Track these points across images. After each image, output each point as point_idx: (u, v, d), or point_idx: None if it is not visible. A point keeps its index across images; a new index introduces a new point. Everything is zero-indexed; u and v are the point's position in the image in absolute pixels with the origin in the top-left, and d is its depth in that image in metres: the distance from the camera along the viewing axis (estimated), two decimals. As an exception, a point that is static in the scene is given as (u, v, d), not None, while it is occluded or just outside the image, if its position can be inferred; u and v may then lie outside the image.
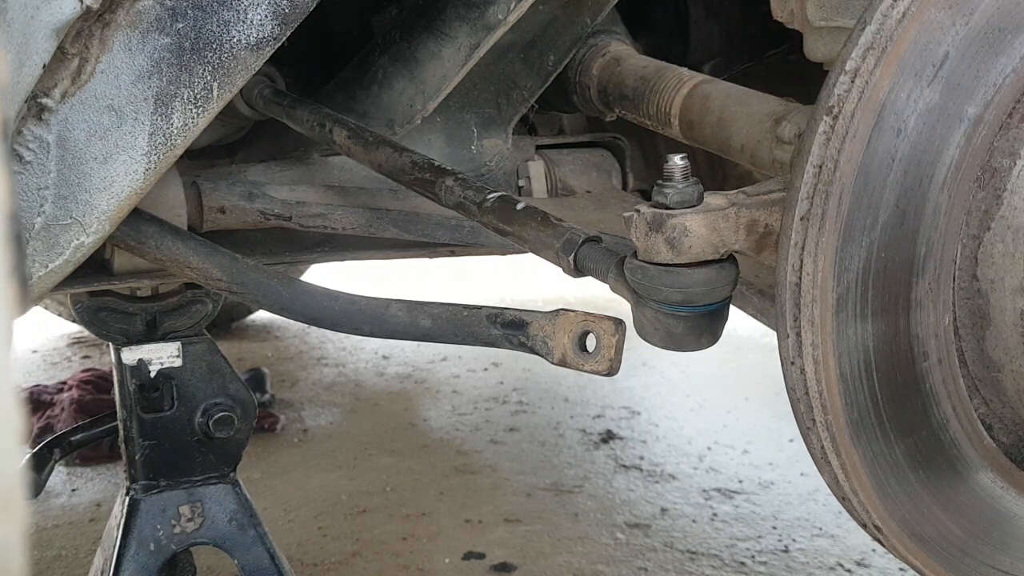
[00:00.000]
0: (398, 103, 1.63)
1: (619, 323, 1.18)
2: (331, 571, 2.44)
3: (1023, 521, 1.09)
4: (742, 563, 2.48)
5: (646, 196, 1.94)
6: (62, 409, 3.16)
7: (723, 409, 3.48)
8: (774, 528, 2.65)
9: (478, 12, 1.52)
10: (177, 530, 1.90)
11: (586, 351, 1.19)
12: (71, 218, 1.18)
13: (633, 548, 2.54)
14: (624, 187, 1.93)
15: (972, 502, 1.06)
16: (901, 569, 2.42)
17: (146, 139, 1.18)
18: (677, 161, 1.04)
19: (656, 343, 1.09)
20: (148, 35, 1.15)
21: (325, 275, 3.69)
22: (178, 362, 1.90)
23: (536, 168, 1.84)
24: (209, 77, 1.17)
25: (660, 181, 1.04)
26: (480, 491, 2.86)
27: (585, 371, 1.20)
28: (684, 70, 1.50)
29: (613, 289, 1.12)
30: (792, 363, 0.98)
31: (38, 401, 3.22)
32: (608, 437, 3.23)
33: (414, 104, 1.62)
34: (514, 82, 1.76)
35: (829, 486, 1.03)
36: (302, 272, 3.70)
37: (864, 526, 1.04)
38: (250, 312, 4.32)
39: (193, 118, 1.18)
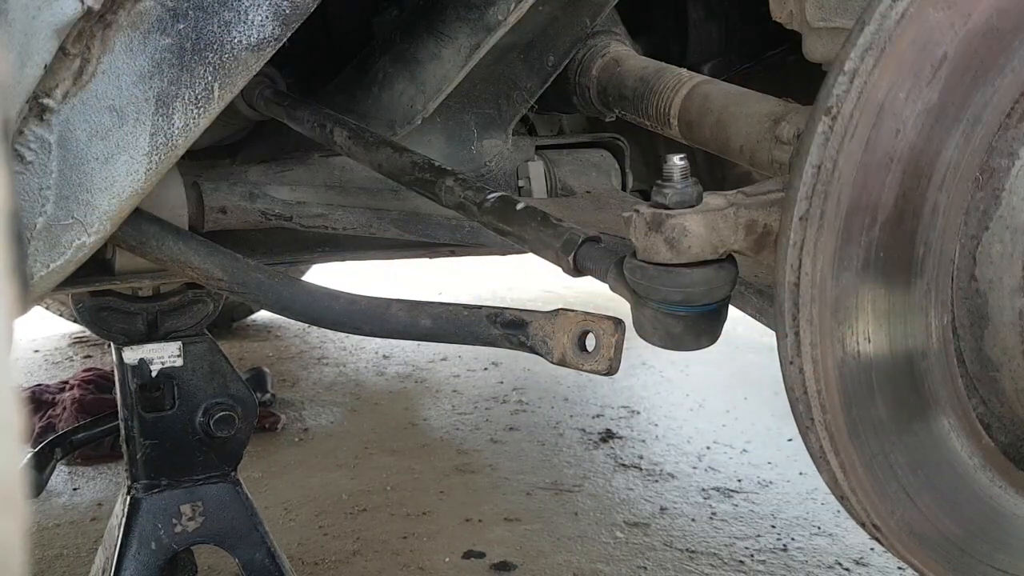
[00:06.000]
0: (398, 104, 1.63)
1: (618, 323, 1.18)
2: (332, 570, 2.45)
3: (1021, 520, 1.10)
4: (741, 562, 2.48)
5: (646, 196, 1.94)
6: (64, 408, 3.16)
7: (722, 409, 3.48)
8: (773, 527, 2.65)
9: (478, 13, 1.53)
10: (178, 529, 1.91)
11: (585, 351, 1.20)
12: (72, 218, 1.18)
13: (632, 547, 2.55)
14: (624, 187, 1.94)
15: (970, 501, 1.07)
16: (900, 568, 2.42)
17: (147, 139, 1.18)
18: (676, 161, 1.04)
19: (655, 343, 1.09)
20: (149, 36, 1.15)
21: (333, 276, 3.70)
22: (179, 362, 1.90)
23: (536, 168, 1.84)
24: (210, 78, 1.17)
25: (659, 181, 1.05)
26: (480, 490, 2.86)
27: (584, 371, 1.20)
28: (683, 71, 1.51)
29: (613, 289, 1.12)
30: (791, 362, 0.98)
31: (40, 400, 3.23)
32: (608, 436, 3.24)
33: (414, 105, 1.62)
34: (514, 83, 1.76)
35: (828, 485, 1.04)
36: (303, 272, 3.70)
37: (863, 525, 1.04)
38: (251, 312, 4.32)
39: (194, 119, 1.18)
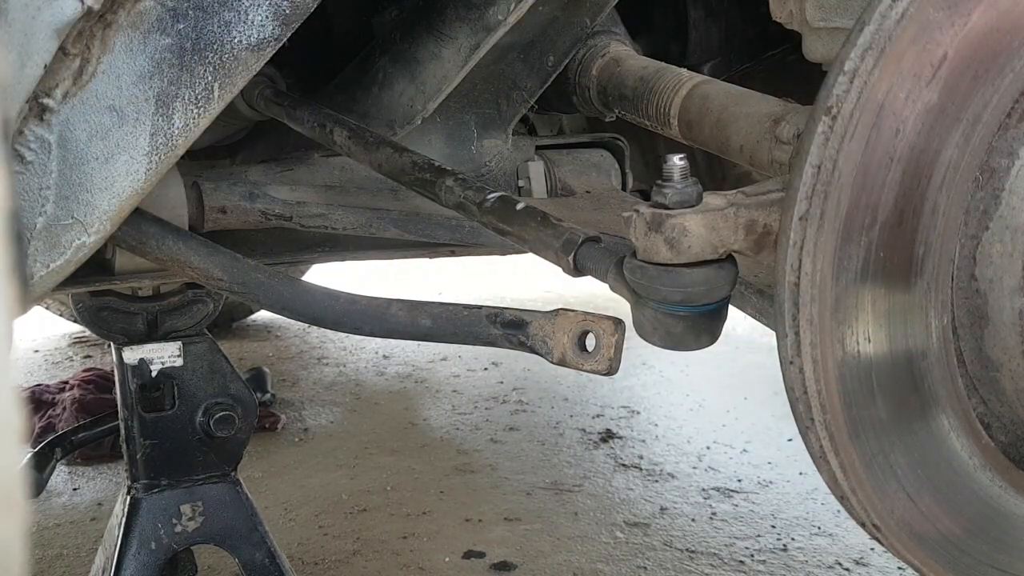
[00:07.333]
0: (398, 104, 1.64)
1: (618, 323, 1.18)
2: (332, 570, 2.45)
3: (1021, 520, 1.10)
4: (741, 562, 2.48)
5: (645, 196, 1.94)
6: (64, 408, 3.16)
7: (722, 408, 3.48)
8: (773, 527, 2.65)
9: (478, 13, 1.53)
10: (178, 529, 1.91)
11: (585, 351, 1.20)
12: (72, 218, 1.18)
13: (632, 547, 2.55)
14: (623, 187, 1.94)
15: (970, 501, 1.07)
16: (900, 568, 2.42)
17: (147, 139, 1.18)
18: (676, 161, 1.04)
19: (655, 343, 1.09)
20: (149, 36, 1.15)
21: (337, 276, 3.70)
22: (179, 361, 1.90)
23: (536, 168, 1.84)
24: (210, 78, 1.17)
25: (659, 181, 1.05)
26: (480, 490, 2.86)
27: (584, 371, 1.20)
28: (683, 71, 1.51)
29: (613, 289, 1.12)
30: (791, 362, 0.98)
31: (40, 400, 3.23)
32: (608, 436, 3.24)
33: (414, 105, 1.62)
34: (514, 83, 1.77)
35: (828, 485, 1.04)
36: (303, 272, 3.71)
37: (863, 525, 1.04)
38: (251, 312, 4.32)
39: (194, 118, 1.18)
